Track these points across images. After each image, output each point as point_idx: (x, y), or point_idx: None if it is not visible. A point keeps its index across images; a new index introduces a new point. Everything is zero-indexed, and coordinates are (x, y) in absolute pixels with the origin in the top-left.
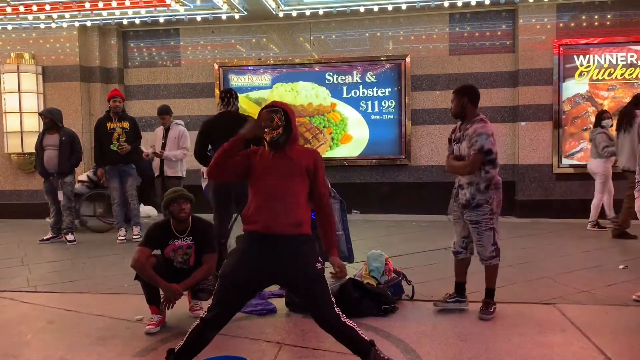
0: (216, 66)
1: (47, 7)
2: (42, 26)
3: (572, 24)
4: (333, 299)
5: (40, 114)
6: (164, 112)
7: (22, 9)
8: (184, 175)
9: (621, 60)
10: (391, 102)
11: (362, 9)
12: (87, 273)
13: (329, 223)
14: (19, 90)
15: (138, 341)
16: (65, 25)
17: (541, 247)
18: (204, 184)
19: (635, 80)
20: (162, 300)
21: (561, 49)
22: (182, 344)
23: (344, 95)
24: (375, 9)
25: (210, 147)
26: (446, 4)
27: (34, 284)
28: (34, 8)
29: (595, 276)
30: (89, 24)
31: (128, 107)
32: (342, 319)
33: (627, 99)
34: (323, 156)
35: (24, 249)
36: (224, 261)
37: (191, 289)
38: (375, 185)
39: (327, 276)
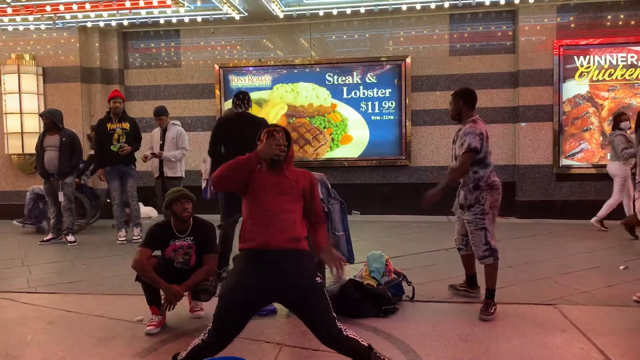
0: (216, 67)
1: (48, 8)
2: (43, 27)
3: (573, 25)
4: (335, 315)
5: (40, 115)
6: (161, 113)
7: (22, 9)
8: (184, 176)
9: (621, 61)
10: (391, 103)
11: (362, 10)
12: (88, 274)
13: (322, 234)
14: (19, 91)
15: (138, 342)
16: (65, 26)
17: (541, 247)
18: (204, 185)
19: (636, 81)
20: (162, 301)
21: (561, 49)
22: (184, 357)
23: (345, 96)
24: (376, 9)
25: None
26: (446, 4)
27: (35, 284)
28: (35, 9)
29: (595, 277)
30: (89, 25)
31: (128, 108)
32: (345, 333)
33: (628, 100)
34: (323, 157)
35: (24, 249)
36: (223, 282)
37: (192, 290)
38: (376, 186)
39: (329, 277)
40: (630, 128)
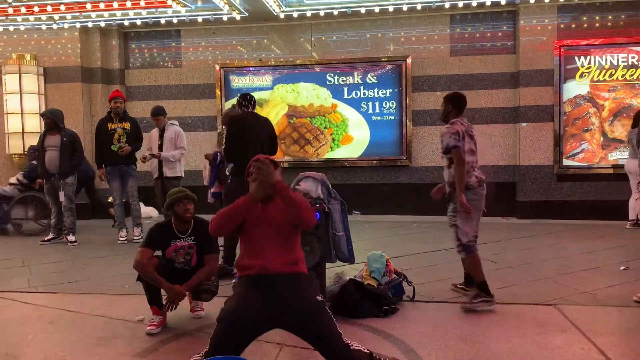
0: (217, 67)
1: (49, 8)
2: (44, 27)
3: (573, 25)
4: (340, 331)
5: (41, 115)
6: (159, 114)
7: (23, 10)
8: (183, 175)
9: (622, 62)
10: (392, 103)
11: (363, 10)
12: (88, 274)
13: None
14: (20, 91)
15: (139, 342)
16: (66, 26)
17: (542, 248)
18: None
19: (637, 82)
20: (164, 301)
21: (562, 50)
22: None
23: (345, 96)
24: (376, 10)
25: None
26: (447, 5)
27: (35, 284)
28: (36, 9)
29: (596, 277)
30: (90, 25)
31: (129, 108)
32: (352, 347)
33: (628, 100)
34: (324, 157)
35: (25, 249)
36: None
37: (193, 290)
38: (376, 186)
39: (329, 277)
40: None
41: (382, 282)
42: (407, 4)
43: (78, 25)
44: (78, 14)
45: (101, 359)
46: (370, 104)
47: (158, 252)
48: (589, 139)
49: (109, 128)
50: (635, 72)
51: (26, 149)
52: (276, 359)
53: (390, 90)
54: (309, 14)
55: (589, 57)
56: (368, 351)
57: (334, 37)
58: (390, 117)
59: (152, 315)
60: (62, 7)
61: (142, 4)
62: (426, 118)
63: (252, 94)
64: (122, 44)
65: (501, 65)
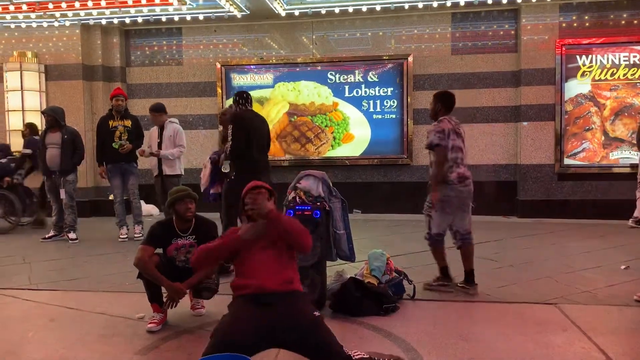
0: (218, 65)
1: (50, 6)
2: (45, 25)
3: (575, 24)
4: (341, 344)
5: (42, 112)
6: (158, 110)
7: (24, 7)
8: (183, 173)
9: (624, 61)
10: (393, 102)
11: (364, 9)
12: (89, 271)
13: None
14: (21, 88)
15: (139, 339)
16: (67, 23)
17: (543, 247)
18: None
19: (638, 81)
20: (165, 299)
21: (564, 48)
22: None
23: (346, 94)
24: (378, 8)
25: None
26: (448, 3)
27: (36, 281)
28: (37, 7)
29: (596, 276)
30: (91, 22)
31: (130, 106)
32: (354, 357)
33: (630, 100)
34: (325, 155)
35: (25, 247)
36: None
37: (194, 288)
38: (377, 185)
39: (330, 275)
40: None
41: (383, 280)
42: (408, 2)
43: (79, 22)
44: (79, 11)
45: (102, 356)
46: (371, 102)
47: (159, 250)
48: (590, 138)
49: (110, 126)
50: (636, 71)
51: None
52: (276, 358)
53: (392, 89)
54: (310, 12)
55: (590, 56)
56: (368, 356)
57: (335, 35)
58: (391, 116)
59: (153, 313)
60: (64, 5)
61: (144, 1)
62: (427, 117)
63: (250, 92)
64: (123, 42)
65: (502, 64)
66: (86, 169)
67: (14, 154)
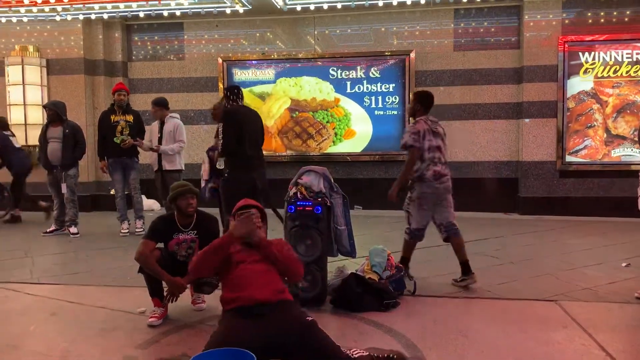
0: (220, 60)
1: (52, 0)
2: (47, 19)
3: (578, 21)
4: (338, 344)
5: (44, 107)
6: (162, 104)
7: (26, 1)
8: (183, 168)
9: (627, 58)
10: (395, 98)
11: (366, 4)
12: (90, 265)
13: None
14: (23, 82)
15: (140, 333)
16: (69, 18)
17: (544, 244)
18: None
19: None
20: (165, 293)
21: (566, 45)
22: None
23: (348, 90)
24: (380, 3)
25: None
26: None
27: (37, 275)
28: (39, 1)
29: (597, 273)
30: (93, 17)
31: (131, 101)
32: (352, 356)
33: (632, 97)
34: (326, 151)
35: (27, 241)
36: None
37: (194, 283)
38: (378, 181)
39: (331, 271)
40: None
41: (384, 276)
42: None
43: (81, 17)
44: (81, 5)
45: (102, 350)
46: (373, 98)
47: (160, 245)
48: (592, 135)
49: (112, 120)
50: (639, 68)
51: (30, 141)
52: None
53: (394, 85)
54: (312, 7)
55: (593, 53)
56: (367, 354)
57: (337, 31)
58: (393, 112)
59: (154, 307)
60: None
61: None
62: None
63: (252, 87)
64: (125, 36)
65: (505, 61)
66: (87, 163)
67: None
